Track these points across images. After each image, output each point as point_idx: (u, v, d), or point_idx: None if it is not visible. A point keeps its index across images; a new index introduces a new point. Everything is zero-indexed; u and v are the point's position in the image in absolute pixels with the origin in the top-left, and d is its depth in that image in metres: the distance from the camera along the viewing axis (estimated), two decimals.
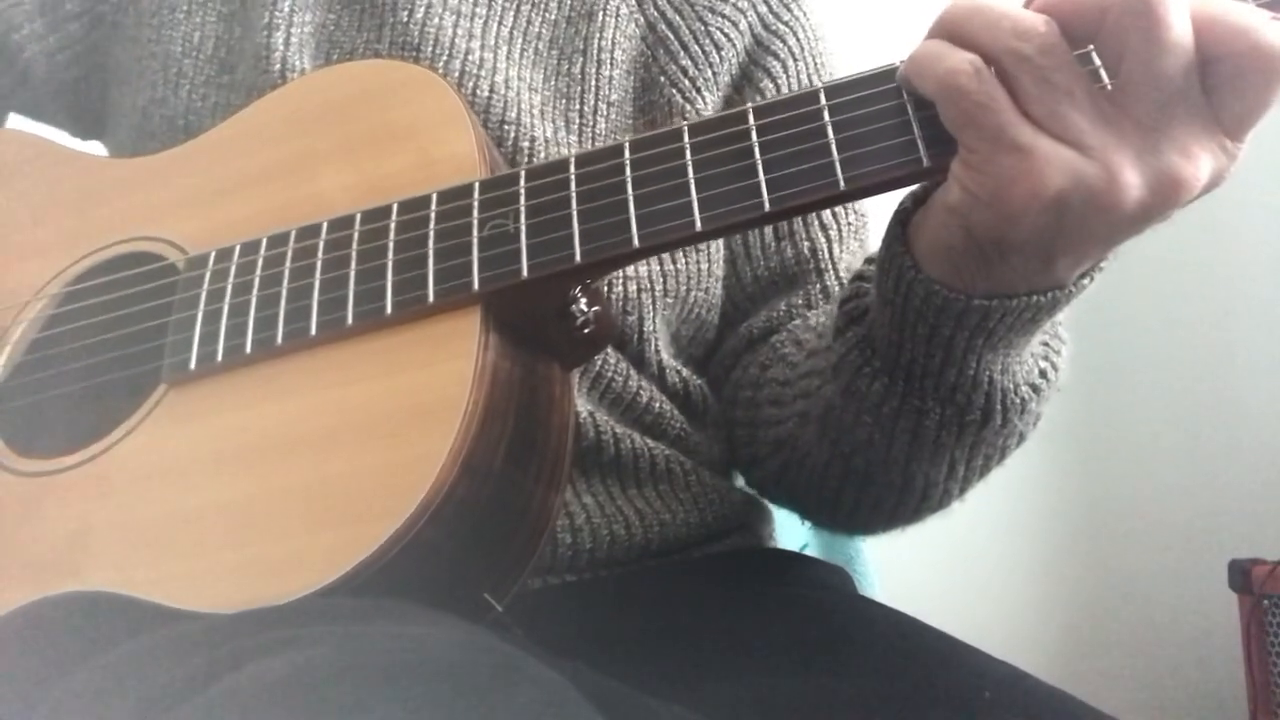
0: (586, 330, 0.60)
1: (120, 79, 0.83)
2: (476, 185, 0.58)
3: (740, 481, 0.84)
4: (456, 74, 0.74)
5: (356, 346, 0.57)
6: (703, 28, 0.80)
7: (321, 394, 0.56)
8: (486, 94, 0.73)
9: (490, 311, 0.55)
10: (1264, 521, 1.93)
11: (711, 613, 0.69)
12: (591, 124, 0.76)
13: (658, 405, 0.74)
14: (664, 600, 0.69)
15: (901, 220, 0.55)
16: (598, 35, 0.78)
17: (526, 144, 0.73)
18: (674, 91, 0.78)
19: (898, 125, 0.51)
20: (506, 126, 0.73)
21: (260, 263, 0.60)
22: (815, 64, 0.83)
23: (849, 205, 0.81)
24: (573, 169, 0.57)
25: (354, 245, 0.59)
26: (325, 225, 0.60)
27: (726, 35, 0.80)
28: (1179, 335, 2.11)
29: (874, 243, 0.60)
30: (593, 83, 0.77)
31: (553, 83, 0.77)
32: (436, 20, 0.76)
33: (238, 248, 0.62)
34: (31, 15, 0.84)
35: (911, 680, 0.60)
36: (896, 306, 0.56)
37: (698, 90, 0.78)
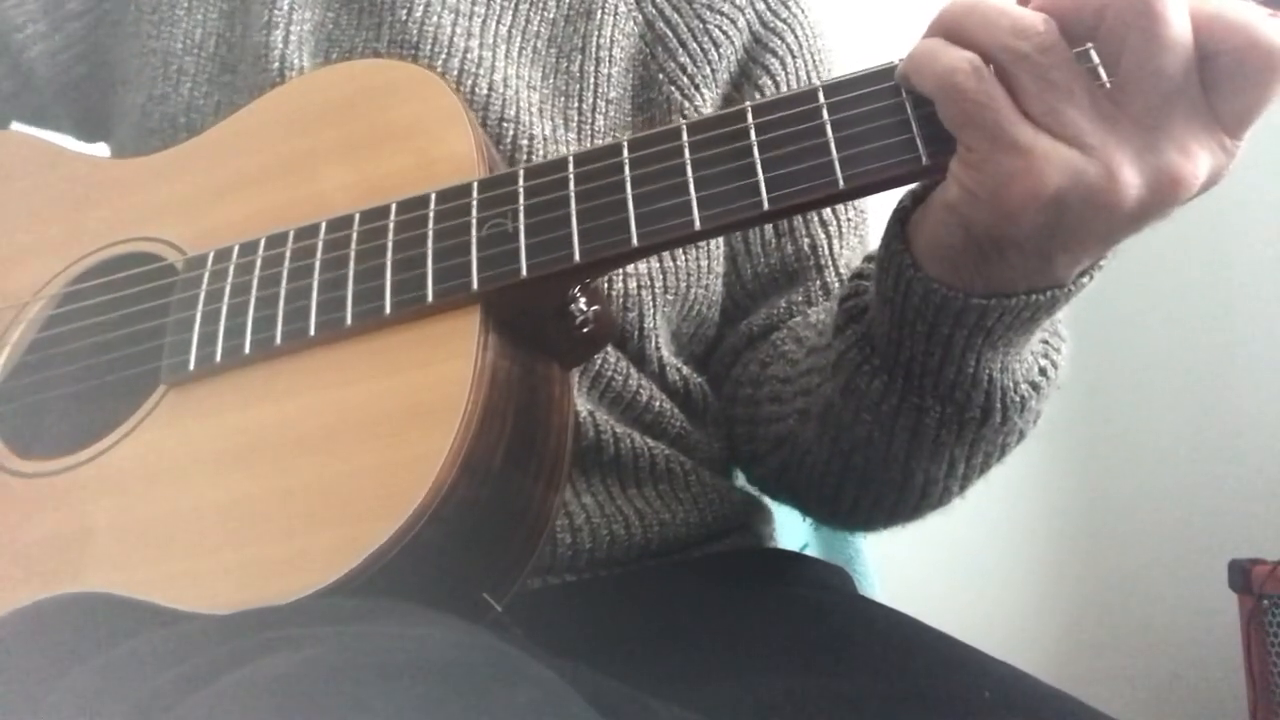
0: (586, 330, 0.60)
1: (122, 78, 0.83)
2: (475, 185, 0.58)
3: (741, 479, 0.84)
4: (455, 72, 0.74)
5: (355, 346, 0.57)
6: (701, 25, 0.80)
7: (320, 394, 0.56)
8: (485, 92, 0.73)
9: (489, 311, 0.55)
10: (1264, 521, 1.93)
11: (711, 613, 0.69)
12: (590, 121, 0.76)
13: (658, 404, 0.74)
14: (664, 600, 0.69)
15: (900, 218, 0.55)
16: (596, 33, 0.78)
17: (525, 142, 0.73)
18: (673, 89, 0.78)
19: (897, 124, 0.51)
20: (505, 124, 0.73)
21: (259, 263, 0.60)
22: (814, 61, 0.83)
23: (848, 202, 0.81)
24: (571, 168, 0.57)
25: (353, 245, 0.59)
26: (324, 225, 0.60)
27: (725, 32, 0.80)
28: (1179, 335, 2.12)
29: (874, 239, 0.60)
30: (591, 80, 0.77)
31: (551, 81, 0.77)
32: (435, 19, 0.76)
33: (236, 248, 0.62)
34: (34, 15, 0.84)
35: (911, 680, 0.60)
36: (895, 305, 0.56)
37: (696, 87, 0.78)
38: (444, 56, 0.75)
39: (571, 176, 0.56)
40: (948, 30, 0.49)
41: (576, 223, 0.55)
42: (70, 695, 0.46)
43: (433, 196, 0.58)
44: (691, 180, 0.54)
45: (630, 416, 0.74)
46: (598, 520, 0.69)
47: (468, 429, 0.52)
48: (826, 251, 0.79)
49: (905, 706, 0.57)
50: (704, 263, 0.76)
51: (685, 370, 0.77)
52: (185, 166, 0.69)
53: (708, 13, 0.80)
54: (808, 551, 0.89)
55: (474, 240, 0.56)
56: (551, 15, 0.79)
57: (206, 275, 0.62)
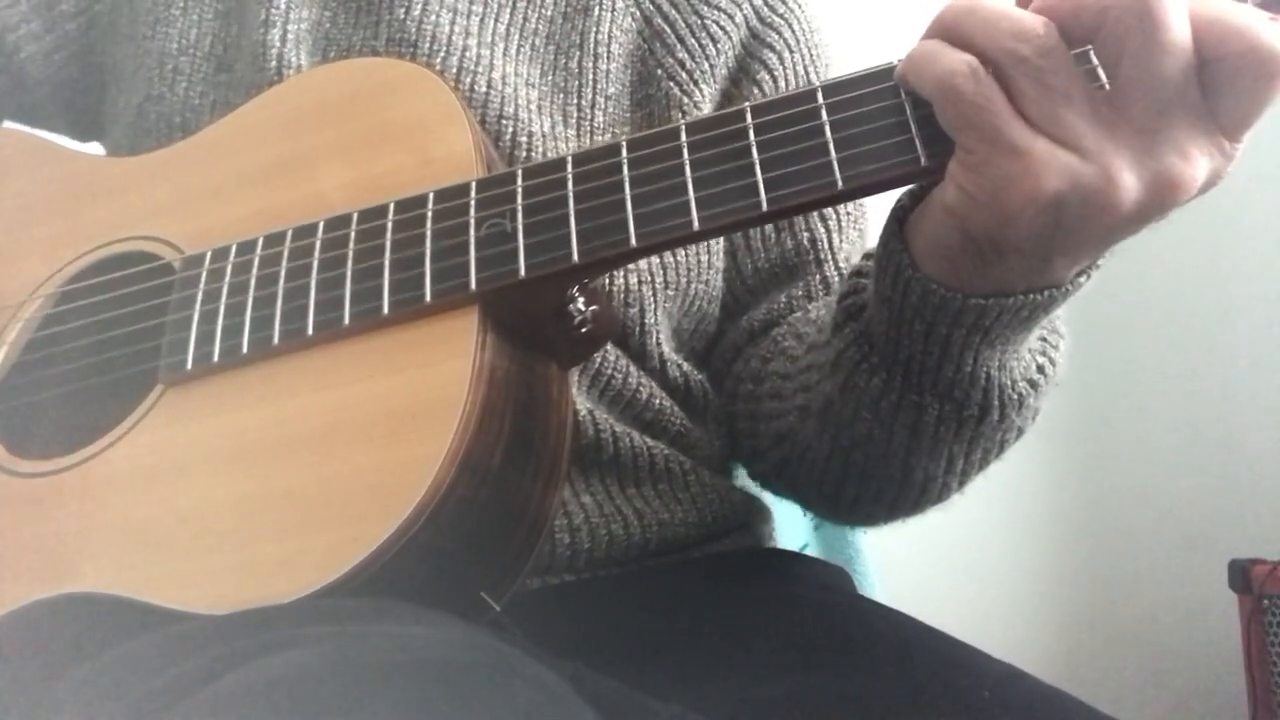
0: (584, 329, 0.60)
1: (117, 78, 0.83)
2: (473, 184, 0.58)
3: (741, 476, 0.84)
4: (454, 71, 0.74)
5: (354, 346, 0.57)
6: (699, 21, 0.80)
7: (319, 394, 0.56)
8: (484, 90, 0.73)
9: (488, 311, 0.55)
10: (1264, 521, 1.93)
11: (711, 613, 0.69)
12: (590, 118, 0.76)
13: (658, 402, 0.74)
14: (663, 600, 0.69)
15: (899, 218, 0.55)
16: (594, 29, 0.78)
17: (524, 139, 0.73)
18: (672, 84, 0.78)
19: (895, 124, 0.51)
20: (504, 122, 0.73)
21: (257, 262, 0.60)
22: (811, 56, 0.83)
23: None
24: (570, 168, 0.57)
25: (351, 245, 0.59)
26: (322, 225, 0.60)
27: (722, 28, 0.80)
28: (1179, 335, 2.11)
29: (873, 233, 0.60)
30: (590, 77, 0.77)
31: (550, 78, 0.77)
32: (433, 17, 0.76)
33: (234, 247, 0.62)
34: (27, 15, 0.83)
35: (911, 680, 0.60)
36: (894, 304, 0.56)
37: (695, 83, 0.78)
38: (442, 55, 0.75)
39: (570, 176, 0.56)
40: (947, 31, 0.49)
41: (575, 223, 0.55)
42: (70, 695, 0.46)
43: (431, 196, 0.58)
44: (690, 180, 0.54)
45: (630, 415, 0.74)
46: (597, 520, 0.69)
47: (466, 429, 0.52)
48: (826, 246, 0.79)
49: (905, 706, 0.57)
50: (704, 258, 0.76)
51: (686, 367, 0.77)
52: (183, 165, 0.69)
53: (705, 9, 0.80)
54: (808, 551, 0.89)
55: (472, 240, 0.56)
56: (549, 13, 0.79)
57: (204, 274, 0.62)
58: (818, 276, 0.79)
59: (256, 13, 0.77)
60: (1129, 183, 0.47)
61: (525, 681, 0.40)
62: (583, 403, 0.71)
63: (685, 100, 0.77)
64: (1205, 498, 2.06)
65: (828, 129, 0.52)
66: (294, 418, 0.55)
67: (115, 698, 0.43)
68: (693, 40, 0.79)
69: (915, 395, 0.59)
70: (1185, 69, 0.46)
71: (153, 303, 0.63)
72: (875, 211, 0.60)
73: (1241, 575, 1.76)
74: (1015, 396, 0.59)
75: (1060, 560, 2.22)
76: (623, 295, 0.72)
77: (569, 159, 0.57)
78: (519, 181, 0.57)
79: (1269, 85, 0.46)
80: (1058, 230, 0.49)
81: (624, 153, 0.56)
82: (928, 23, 0.51)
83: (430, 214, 0.58)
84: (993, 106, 0.47)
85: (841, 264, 0.79)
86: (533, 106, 0.75)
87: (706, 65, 0.79)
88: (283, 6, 0.77)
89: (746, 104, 0.55)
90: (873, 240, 0.58)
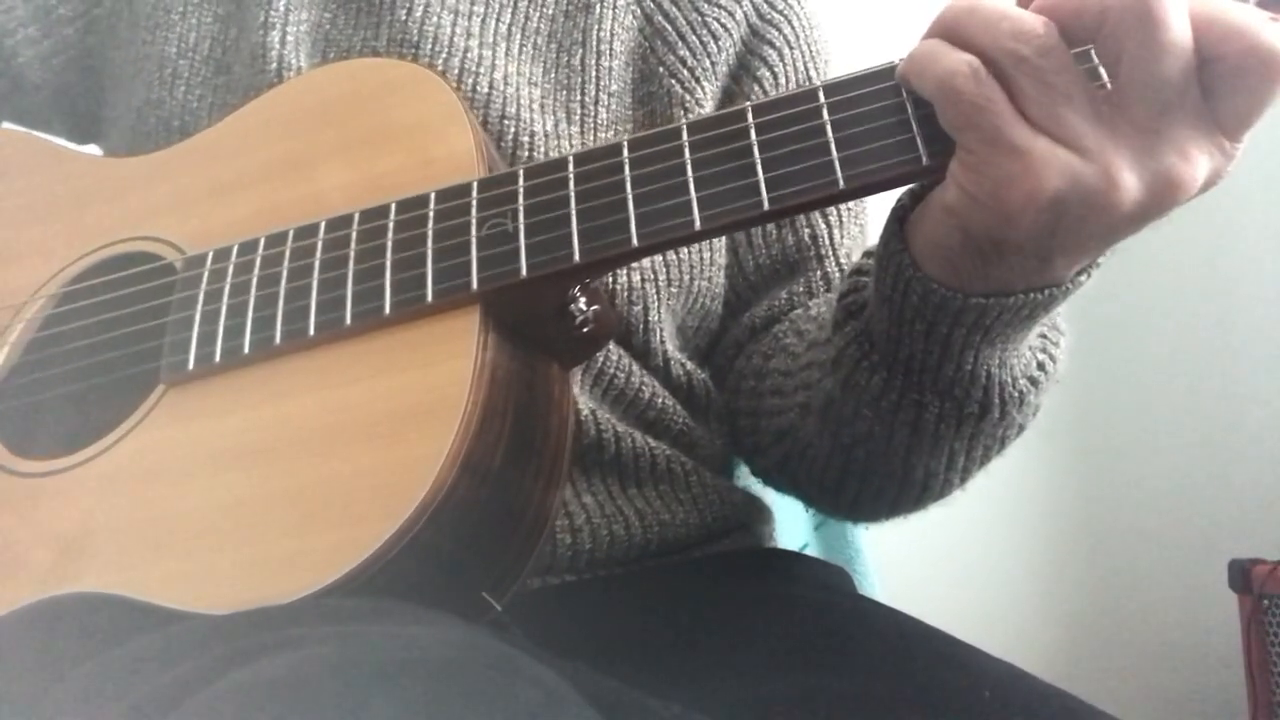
0: (585, 329, 0.60)
1: (115, 82, 0.83)
2: (475, 184, 0.58)
3: (742, 475, 0.84)
4: (456, 71, 0.74)
5: (355, 346, 0.57)
6: (699, 18, 0.80)
7: (320, 394, 0.56)
8: (486, 90, 0.73)
9: (489, 311, 0.55)
10: (1264, 521, 1.93)
11: (711, 613, 0.69)
12: (593, 114, 0.76)
13: (660, 401, 0.74)
14: (664, 600, 0.69)
15: (899, 217, 0.55)
16: (596, 27, 0.78)
17: (526, 139, 0.73)
18: (673, 82, 0.78)
19: (897, 124, 0.51)
20: (506, 122, 0.73)
21: (258, 262, 0.60)
22: (811, 52, 0.83)
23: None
24: (571, 168, 0.57)
25: (352, 245, 0.59)
26: (323, 225, 0.60)
27: (723, 25, 0.80)
28: (1179, 334, 2.12)
29: (874, 229, 0.60)
30: (593, 73, 0.77)
31: (552, 75, 0.77)
32: (435, 19, 0.76)
33: (235, 247, 0.62)
34: (25, 20, 0.83)
35: (911, 680, 0.60)
36: (894, 303, 0.56)
37: (697, 80, 0.78)
38: (444, 56, 0.75)
39: (571, 176, 0.56)
40: (947, 31, 0.49)
41: (576, 223, 0.55)
42: (70, 695, 0.46)
43: (432, 196, 0.58)
44: (691, 180, 0.54)
45: (632, 415, 0.74)
46: (598, 520, 0.69)
47: (467, 429, 0.52)
48: (827, 241, 0.79)
49: (905, 706, 0.57)
50: (707, 254, 0.77)
51: (689, 365, 0.78)
52: (184, 166, 0.69)
53: (705, 5, 0.81)
54: (808, 551, 0.89)
55: (474, 240, 0.56)
56: (550, 11, 0.79)
57: (206, 274, 0.62)
58: (819, 272, 0.79)
59: (256, 15, 0.77)
60: (1129, 182, 0.47)
61: (526, 681, 0.40)
62: (585, 402, 0.71)
63: (687, 98, 0.77)
64: (1205, 498, 2.06)
65: (829, 128, 0.52)
66: (295, 418, 0.55)
67: (116, 698, 0.43)
68: (694, 37, 0.79)
69: (916, 393, 0.59)
70: (1185, 69, 0.46)
71: (154, 303, 0.63)
72: (876, 208, 0.60)
73: (1241, 575, 1.76)
74: (1016, 394, 0.59)
75: (1060, 560, 2.23)
76: (626, 293, 0.72)
77: (570, 159, 0.57)
78: (520, 181, 0.57)
79: (1270, 85, 0.46)
80: (1058, 230, 0.49)
81: (625, 152, 0.56)
82: (928, 22, 0.51)
83: (432, 214, 0.58)
84: (993, 106, 0.47)
85: (843, 260, 0.79)
86: (535, 105, 0.75)
87: (708, 62, 0.79)
88: (282, 9, 0.77)
89: (747, 104, 0.55)
90: (873, 237, 0.58)
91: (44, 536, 0.58)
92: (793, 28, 0.82)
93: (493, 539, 0.57)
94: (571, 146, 0.74)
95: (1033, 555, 2.22)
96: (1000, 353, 0.57)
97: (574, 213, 0.55)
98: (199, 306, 0.61)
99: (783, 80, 0.81)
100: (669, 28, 0.80)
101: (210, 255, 0.62)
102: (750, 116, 0.54)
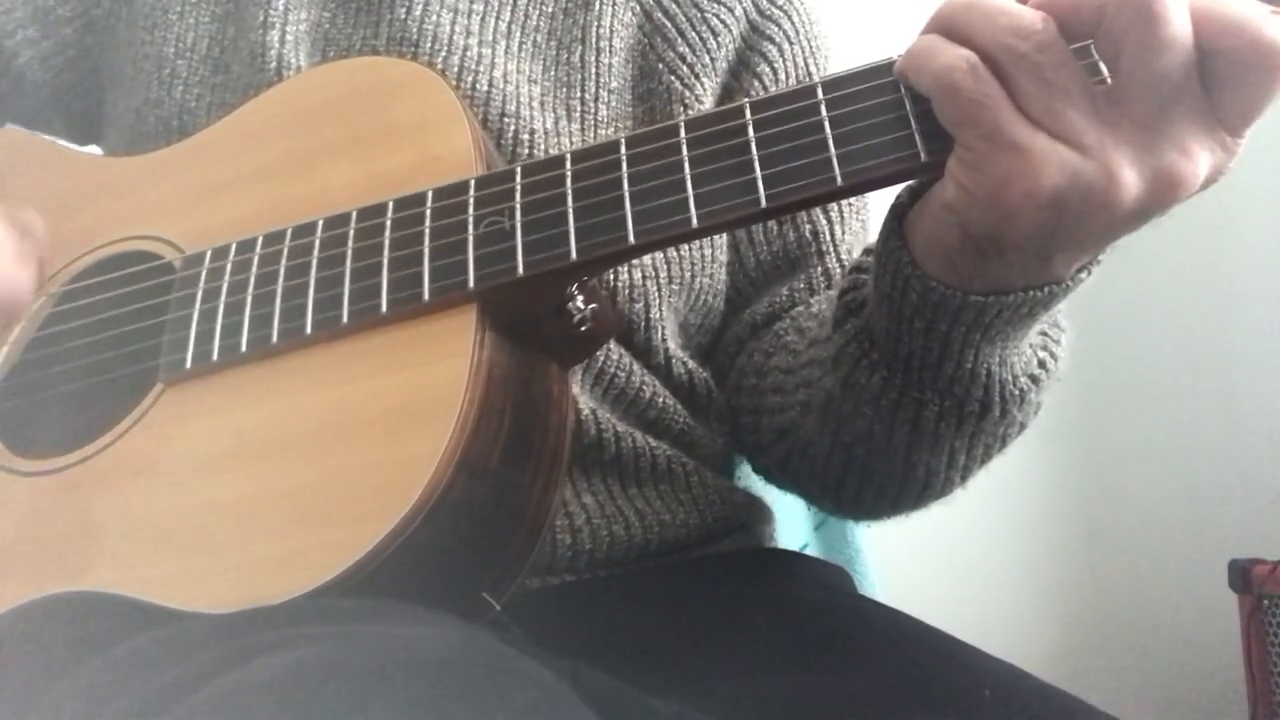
0: (583, 328, 0.60)
1: (114, 82, 0.83)
2: (472, 183, 0.58)
3: (743, 473, 0.84)
4: (455, 70, 0.74)
5: (352, 345, 0.56)
6: (699, 14, 0.80)
7: (317, 393, 0.56)
8: (485, 89, 0.73)
9: (486, 309, 0.55)
10: (1264, 521, 1.92)
11: (711, 613, 0.69)
12: (593, 111, 0.76)
13: (661, 400, 0.74)
14: (664, 600, 0.69)
15: (898, 215, 0.55)
16: (596, 23, 0.78)
17: (526, 136, 0.73)
18: (673, 78, 0.78)
19: (895, 120, 0.51)
20: (506, 120, 0.73)
21: (256, 261, 0.60)
22: (810, 47, 0.83)
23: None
24: (568, 166, 0.56)
25: (349, 243, 0.58)
26: (321, 223, 0.60)
27: (723, 21, 0.80)
28: (1179, 334, 2.11)
29: (875, 224, 0.60)
30: (593, 70, 0.77)
31: (553, 72, 0.77)
32: (435, 18, 0.76)
33: (234, 246, 0.62)
34: (24, 21, 0.83)
35: (911, 680, 0.60)
36: (894, 301, 0.55)
37: (697, 76, 0.78)
38: (444, 54, 0.74)
39: (569, 174, 0.56)
40: (945, 27, 0.49)
41: (573, 221, 0.55)
42: (70, 695, 0.46)
43: (429, 194, 0.58)
44: (689, 178, 0.54)
45: (633, 414, 0.74)
46: (598, 520, 0.69)
47: (464, 428, 0.52)
48: (828, 237, 0.79)
49: (905, 706, 0.57)
50: (708, 251, 0.77)
51: (690, 364, 0.77)
52: (183, 165, 0.69)
53: (705, 1, 0.81)
54: (808, 551, 0.89)
55: (470, 238, 0.56)
56: (550, 9, 0.79)
57: (204, 273, 0.62)
58: (819, 268, 0.79)
59: (254, 15, 0.77)
60: (1129, 179, 0.46)
61: (525, 681, 0.40)
62: (585, 402, 0.70)
63: (687, 94, 0.77)
64: (1205, 498, 2.06)
65: (827, 125, 0.52)
66: (292, 416, 0.55)
67: (116, 697, 0.43)
68: (693, 34, 0.79)
69: (916, 392, 0.59)
70: (1186, 65, 0.45)
71: (153, 302, 0.63)
72: (878, 203, 0.60)
73: (1241, 575, 1.76)
74: (1016, 392, 0.59)
75: (1060, 560, 2.22)
76: (627, 290, 0.72)
77: (568, 156, 0.57)
78: (518, 179, 0.57)
79: (1272, 80, 0.46)
80: (1058, 227, 0.48)
81: (623, 150, 0.56)
82: (926, 17, 0.51)
83: (429, 212, 0.58)
84: (992, 103, 0.47)
85: (844, 256, 0.79)
86: (535, 103, 0.75)
87: (708, 59, 0.79)
88: (281, 8, 0.77)
89: (745, 101, 0.55)
90: (874, 233, 0.58)
91: (43, 535, 0.58)
92: (792, 23, 0.83)
93: (491, 538, 0.57)
94: (572, 143, 0.74)
95: (1033, 555, 2.22)
96: (1000, 351, 0.57)
97: (571, 211, 0.55)
98: (197, 305, 0.61)
99: (783, 76, 0.81)
100: (668, 24, 0.80)
101: (208, 254, 0.62)
102: (748, 114, 0.54)
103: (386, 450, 0.52)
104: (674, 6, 0.80)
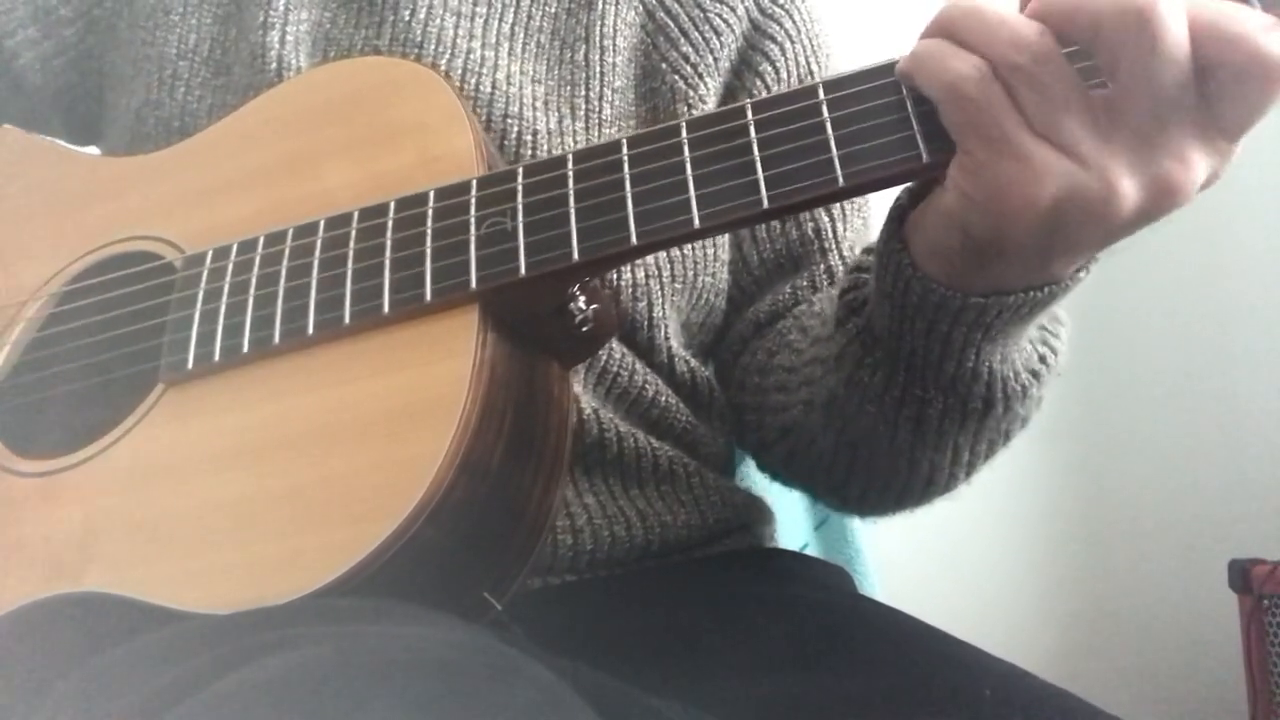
0: (585, 328, 0.60)
1: (115, 83, 0.83)
2: (474, 183, 0.58)
3: (745, 471, 0.84)
4: (459, 72, 0.74)
5: (354, 345, 0.56)
6: (701, 14, 0.80)
7: (319, 393, 0.56)
8: (489, 91, 0.73)
9: (488, 310, 0.55)
10: (1264, 521, 1.93)
11: (711, 613, 0.69)
12: (597, 110, 0.76)
13: (664, 400, 0.74)
14: (664, 600, 0.69)
15: (898, 217, 0.55)
16: (599, 23, 0.78)
17: (529, 137, 0.73)
18: (676, 78, 0.78)
19: (897, 121, 0.51)
20: (509, 121, 0.73)
21: (257, 261, 0.60)
22: (812, 46, 0.83)
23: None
24: (570, 166, 0.56)
25: (351, 244, 0.58)
26: (322, 223, 0.60)
27: (725, 20, 0.81)
28: (1179, 334, 2.11)
29: (876, 223, 0.60)
30: (597, 69, 0.77)
31: (556, 72, 0.77)
32: (438, 20, 0.76)
33: (235, 246, 0.62)
34: (24, 21, 0.83)
35: (911, 680, 0.60)
36: (895, 302, 0.56)
37: (700, 76, 0.78)
38: (447, 56, 0.75)
39: (570, 175, 0.56)
40: (947, 32, 0.49)
41: (575, 221, 0.55)
42: (70, 695, 0.46)
43: (431, 194, 0.58)
44: (691, 178, 0.54)
45: (636, 414, 0.74)
46: (599, 521, 0.69)
47: (466, 428, 0.52)
48: (830, 235, 0.79)
49: (905, 705, 0.57)
50: (711, 250, 0.77)
51: (693, 363, 0.78)
52: (184, 165, 0.69)
53: (707, 1, 0.81)
54: (808, 551, 0.89)
55: (472, 239, 0.56)
56: (553, 9, 0.79)
57: (205, 274, 0.62)
58: (822, 266, 0.79)
59: (255, 15, 0.77)
60: (1127, 189, 0.47)
61: (525, 681, 0.40)
62: (588, 401, 0.71)
63: (690, 94, 0.78)
64: (1205, 498, 2.06)
65: (829, 126, 0.52)
66: (294, 417, 0.55)
67: (115, 698, 0.43)
68: (696, 34, 0.79)
69: (918, 390, 0.59)
70: (1183, 76, 0.45)
71: (154, 302, 0.63)
72: (879, 202, 0.60)
73: (1241, 575, 1.76)
74: (1018, 388, 0.60)
75: (1060, 560, 2.22)
76: (630, 289, 0.72)
77: (569, 157, 0.57)
78: (519, 180, 0.57)
79: (1271, 93, 0.46)
80: (1056, 233, 0.49)
81: (624, 150, 0.56)
82: (926, 18, 0.51)
83: (431, 212, 0.58)
84: (998, 112, 0.47)
85: (846, 254, 0.79)
86: (539, 103, 0.75)
87: (711, 59, 0.79)
88: (281, 8, 0.77)
89: (747, 101, 0.55)
90: (876, 231, 0.58)
91: (44, 536, 0.58)
92: (794, 22, 0.83)
93: (493, 538, 0.57)
94: (575, 143, 0.74)
95: (1033, 555, 2.22)
96: (1002, 348, 0.57)
97: (573, 211, 0.55)
98: (198, 306, 0.61)
99: (785, 75, 0.81)
100: (671, 24, 0.80)
101: (209, 254, 0.62)
102: (750, 114, 0.54)
103: (388, 451, 0.52)
104: (676, 6, 0.80)
